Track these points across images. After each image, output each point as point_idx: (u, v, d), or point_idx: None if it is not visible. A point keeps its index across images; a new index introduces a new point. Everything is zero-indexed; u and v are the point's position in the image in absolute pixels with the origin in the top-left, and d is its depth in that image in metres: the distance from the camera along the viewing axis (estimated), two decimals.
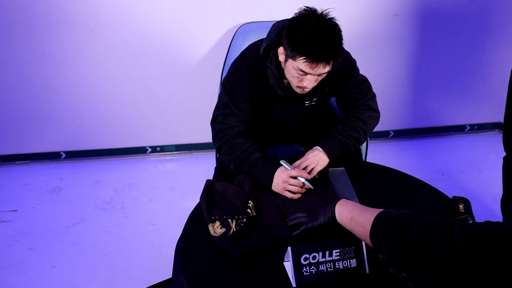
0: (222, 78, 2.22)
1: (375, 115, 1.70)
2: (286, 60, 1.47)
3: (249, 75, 1.60)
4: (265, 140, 1.86)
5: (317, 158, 1.59)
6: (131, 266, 2.12)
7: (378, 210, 1.14)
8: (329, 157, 1.61)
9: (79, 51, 2.54)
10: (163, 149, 2.93)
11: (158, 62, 2.61)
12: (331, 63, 1.41)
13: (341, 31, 1.42)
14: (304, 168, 1.57)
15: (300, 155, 1.99)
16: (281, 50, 1.49)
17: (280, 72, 1.55)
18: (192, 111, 2.78)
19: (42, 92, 2.63)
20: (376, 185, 1.60)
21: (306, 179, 1.51)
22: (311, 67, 1.41)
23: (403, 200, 1.52)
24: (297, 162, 1.61)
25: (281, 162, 1.55)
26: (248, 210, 1.44)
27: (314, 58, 1.38)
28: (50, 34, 2.47)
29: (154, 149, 2.92)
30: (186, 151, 2.96)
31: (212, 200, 1.51)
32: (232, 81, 1.62)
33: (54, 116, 2.71)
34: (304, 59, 1.39)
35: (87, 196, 2.58)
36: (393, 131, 3.00)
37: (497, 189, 2.50)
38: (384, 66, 2.75)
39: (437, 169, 2.76)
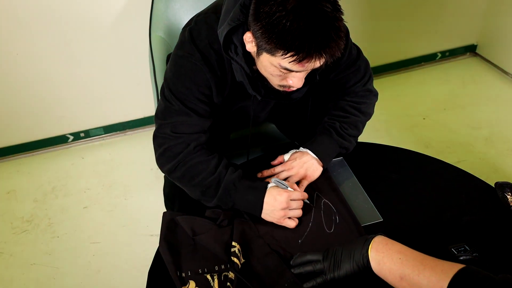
0: (151, 39, 1.67)
1: (375, 100, 1.27)
2: (259, 53, 0.97)
3: (206, 67, 1.07)
4: (221, 128, 1.36)
5: (305, 167, 1.16)
6: None
7: (446, 264, 0.78)
8: (324, 165, 1.18)
9: None
10: (88, 134, 2.39)
11: (66, 27, 2.03)
12: (331, 53, 0.92)
13: None
14: (285, 180, 1.16)
15: (274, 136, 1.56)
16: (248, 37, 0.97)
17: (251, 63, 1.05)
18: (118, 83, 2.26)
19: None
20: (380, 171, 1.23)
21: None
22: (300, 65, 0.92)
23: (423, 186, 1.17)
24: (277, 169, 1.18)
25: (273, 180, 1.10)
26: (234, 258, 0.99)
27: (306, 54, 0.89)
28: None
29: (77, 136, 2.38)
30: (117, 132, 2.42)
31: (178, 246, 1.05)
32: (182, 77, 1.09)
33: None
34: (291, 56, 0.89)
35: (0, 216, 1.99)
36: None
37: (486, 129, 2.23)
38: None
39: (416, 111, 2.42)
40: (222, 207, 1.09)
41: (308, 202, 1.10)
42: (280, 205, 1.04)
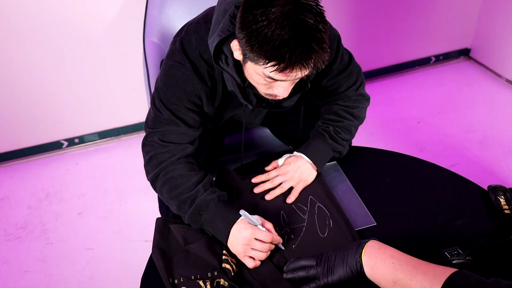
0: (145, 45, 1.67)
1: (367, 105, 1.28)
2: (244, 61, 0.97)
3: (197, 77, 1.07)
4: (215, 134, 1.36)
5: (300, 172, 1.16)
6: None
7: (439, 269, 0.78)
8: (318, 169, 1.18)
9: None
10: (82, 140, 2.37)
11: (60, 33, 2.03)
12: (314, 64, 0.91)
13: (322, 10, 0.90)
14: (279, 185, 1.15)
15: (268, 141, 1.56)
16: (235, 45, 0.96)
17: (241, 72, 1.04)
18: (112, 88, 2.25)
19: None
20: (374, 175, 1.22)
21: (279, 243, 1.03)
22: (283, 74, 0.91)
23: (417, 190, 1.17)
24: (272, 174, 1.18)
25: (241, 212, 1.01)
26: (226, 265, 0.98)
27: (287, 64, 0.88)
28: None
29: (71, 142, 2.36)
30: (112, 138, 2.41)
31: (171, 252, 1.05)
32: (172, 86, 1.08)
33: None
34: (272, 65, 0.89)
35: None
36: None
37: (480, 132, 2.24)
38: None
39: (410, 115, 2.42)
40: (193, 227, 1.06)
41: (281, 247, 1.02)
42: (242, 240, 0.98)
